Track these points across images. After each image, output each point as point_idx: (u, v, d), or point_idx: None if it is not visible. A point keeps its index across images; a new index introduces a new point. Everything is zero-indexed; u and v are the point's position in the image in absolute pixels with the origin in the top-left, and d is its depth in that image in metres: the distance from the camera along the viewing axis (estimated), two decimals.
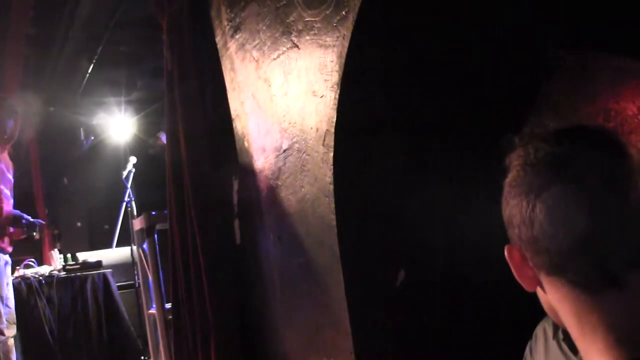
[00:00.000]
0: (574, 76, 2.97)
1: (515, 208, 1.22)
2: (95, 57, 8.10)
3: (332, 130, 2.74)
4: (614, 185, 1.15)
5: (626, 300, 1.13)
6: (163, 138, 5.55)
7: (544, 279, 1.22)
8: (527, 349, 2.26)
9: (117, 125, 9.78)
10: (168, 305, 4.76)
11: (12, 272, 6.52)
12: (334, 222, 2.78)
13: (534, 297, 1.33)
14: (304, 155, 3.00)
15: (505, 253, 1.27)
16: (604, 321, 1.13)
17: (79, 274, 7.13)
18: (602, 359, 1.12)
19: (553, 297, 1.23)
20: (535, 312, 2.26)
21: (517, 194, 1.21)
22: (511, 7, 2.82)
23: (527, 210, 1.18)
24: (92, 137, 10.57)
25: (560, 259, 1.16)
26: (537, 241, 1.18)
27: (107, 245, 9.25)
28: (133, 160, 7.71)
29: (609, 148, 1.19)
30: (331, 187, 2.78)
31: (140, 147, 9.72)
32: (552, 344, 2.14)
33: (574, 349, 2.03)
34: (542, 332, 2.22)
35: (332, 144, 2.75)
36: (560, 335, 2.09)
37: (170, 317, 4.51)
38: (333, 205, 2.78)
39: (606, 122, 2.78)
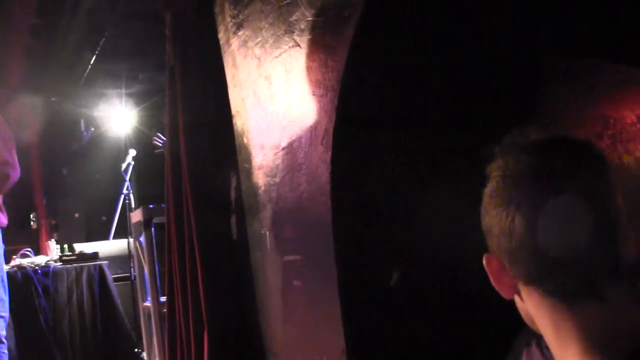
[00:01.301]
0: (571, 84, 2.99)
1: (494, 218, 1.24)
2: (98, 48, 8.11)
3: (331, 129, 2.75)
4: (593, 199, 1.17)
5: (601, 309, 1.17)
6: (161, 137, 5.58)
7: (522, 288, 1.25)
8: (511, 354, 2.29)
9: (118, 117, 9.78)
10: (163, 299, 4.78)
11: (7, 262, 6.53)
12: (331, 222, 2.80)
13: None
14: (302, 153, 3.02)
15: (484, 261, 1.29)
16: (579, 328, 1.17)
17: (75, 265, 7.13)
18: None
19: (530, 305, 1.25)
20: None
21: (497, 204, 1.24)
22: (510, 15, 2.83)
23: (507, 222, 1.20)
24: (93, 129, 10.59)
25: (537, 270, 1.19)
26: (516, 252, 1.21)
27: (104, 236, 9.26)
28: (132, 153, 7.72)
29: (590, 161, 1.21)
30: (328, 186, 2.79)
31: (140, 140, 9.73)
32: (533, 349, 2.16)
33: None
34: (524, 337, 2.25)
35: (331, 143, 2.76)
36: (544, 343, 2.12)
37: (165, 310, 4.53)
38: (330, 205, 2.80)
39: (605, 130, 2.79)
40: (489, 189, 1.28)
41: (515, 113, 3.05)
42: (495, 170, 1.27)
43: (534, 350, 2.19)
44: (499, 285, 1.29)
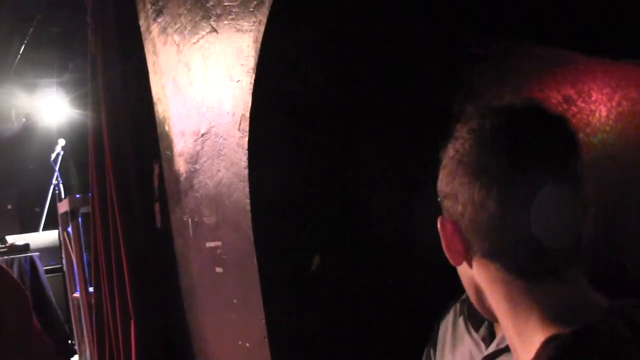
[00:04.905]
0: (498, 65, 3.02)
1: (464, 186, 1.21)
2: (27, 37, 7.98)
3: (248, 115, 2.74)
4: (570, 182, 1.18)
5: (559, 287, 1.18)
6: None
7: (477, 259, 1.23)
8: (440, 324, 2.33)
9: (49, 106, 9.66)
10: (92, 290, 4.73)
11: None
12: (249, 207, 2.79)
13: (451, 283, 1.35)
14: (221, 139, 3.00)
15: (438, 224, 1.26)
16: (538, 305, 1.17)
17: (5, 257, 7.05)
18: (537, 333, 1.15)
19: (483, 277, 1.24)
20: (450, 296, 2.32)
21: (469, 172, 1.21)
22: None
23: (480, 193, 1.18)
24: (24, 119, 10.43)
25: (500, 246, 1.18)
26: (482, 224, 1.19)
27: (38, 228, 9.15)
28: (62, 142, 7.63)
29: (564, 140, 1.21)
30: (246, 171, 2.78)
31: (74, 129, 9.61)
32: (459, 321, 2.21)
33: (475, 326, 2.10)
34: (453, 309, 2.30)
35: (247, 128, 2.75)
36: (465, 313, 2.17)
37: (93, 301, 4.49)
38: (247, 190, 2.79)
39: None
40: (459, 151, 1.23)
41: (437, 98, 3.07)
42: (468, 134, 1.24)
43: (460, 322, 2.23)
44: (450, 251, 1.25)
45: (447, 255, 1.29)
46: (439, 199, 1.30)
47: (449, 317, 2.29)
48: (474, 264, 1.25)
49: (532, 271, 1.18)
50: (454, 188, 1.24)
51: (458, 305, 2.27)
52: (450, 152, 1.26)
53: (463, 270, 1.31)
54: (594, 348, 1.10)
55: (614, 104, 2.57)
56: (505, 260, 1.19)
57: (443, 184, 1.27)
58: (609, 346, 1.10)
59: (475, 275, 1.27)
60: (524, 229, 1.15)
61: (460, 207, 1.22)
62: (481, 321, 2.06)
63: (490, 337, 2.02)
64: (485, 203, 1.17)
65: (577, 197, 1.19)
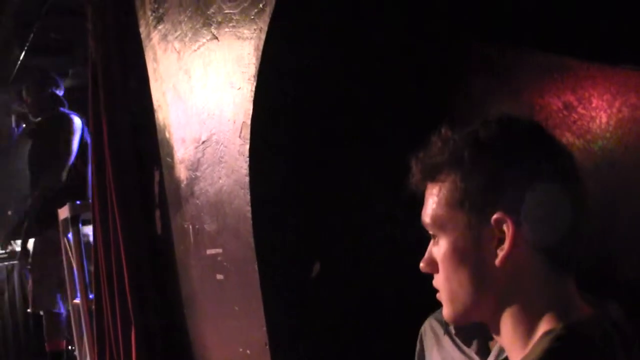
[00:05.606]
0: (499, 72, 3.02)
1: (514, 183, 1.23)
2: (27, 44, 7.99)
3: (249, 122, 2.75)
4: (582, 185, 1.26)
5: (564, 287, 1.25)
6: None
7: (520, 252, 1.22)
8: (418, 344, 2.32)
9: None
10: (92, 296, 4.72)
11: None
12: (249, 214, 2.79)
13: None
14: (222, 147, 3.01)
15: (496, 217, 1.23)
16: (553, 301, 1.22)
17: (6, 263, 7.06)
18: (541, 329, 1.20)
19: (519, 271, 1.23)
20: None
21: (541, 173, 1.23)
22: (436, 3, 2.86)
23: (557, 195, 1.21)
24: (24, 124, 10.42)
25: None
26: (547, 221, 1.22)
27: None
28: None
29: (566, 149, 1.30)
30: (247, 179, 2.79)
31: None
32: (445, 339, 2.20)
33: (466, 342, 2.09)
34: (430, 328, 2.29)
35: (248, 136, 2.76)
36: (452, 330, 2.16)
37: (94, 307, 4.49)
38: (249, 197, 2.79)
39: (531, 117, 2.82)
40: (505, 147, 1.27)
41: (438, 104, 3.07)
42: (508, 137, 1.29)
43: (445, 340, 2.22)
44: (493, 249, 1.25)
45: (472, 251, 1.28)
46: (470, 196, 1.28)
47: (429, 337, 2.29)
48: (517, 259, 1.23)
49: (571, 265, 1.25)
50: (518, 185, 1.24)
51: (436, 322, 2.27)
52: (505, 140, 1.28)
53: (472, 267, 1.29)
54: (586, 341, 1.16)
55: (614, 110, 2.57)
56: (547, 253, 1.23)
57: (502, 174, 1.25)
58: (599, 341, 1.16)
59: (503, 271, 1.24)
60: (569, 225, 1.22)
61: (516, 203, 1.23)
62: (471, 336, 2.06)
63: (484, 350, 2.02)
64: (564, 201, 1.22)
65: (581, 201, 1.25)
